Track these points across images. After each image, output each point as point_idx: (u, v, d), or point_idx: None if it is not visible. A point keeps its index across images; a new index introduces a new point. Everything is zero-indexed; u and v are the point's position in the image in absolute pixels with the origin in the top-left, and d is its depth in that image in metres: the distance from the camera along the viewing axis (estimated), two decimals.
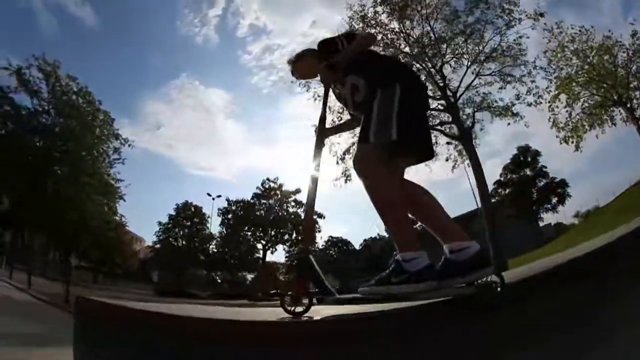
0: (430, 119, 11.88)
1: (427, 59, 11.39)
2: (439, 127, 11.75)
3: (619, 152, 48.22)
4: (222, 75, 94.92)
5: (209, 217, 39.20)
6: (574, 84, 12.47)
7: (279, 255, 47.30)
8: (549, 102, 12.20)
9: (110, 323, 1.61)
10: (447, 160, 12.92)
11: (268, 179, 39.47)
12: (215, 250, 39.31)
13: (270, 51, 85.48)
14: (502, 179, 30.37)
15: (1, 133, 22.12)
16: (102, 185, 24.70)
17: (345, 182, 12.47)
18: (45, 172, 23.40)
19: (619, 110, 13.37)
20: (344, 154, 12.12)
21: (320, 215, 36.94)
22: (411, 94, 1.70)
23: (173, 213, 38.86)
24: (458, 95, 11.22)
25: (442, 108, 11.64)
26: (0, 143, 21.03)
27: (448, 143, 12.60)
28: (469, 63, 11.07)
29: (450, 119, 11.32)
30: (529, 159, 28.15)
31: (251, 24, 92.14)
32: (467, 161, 12.37)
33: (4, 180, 22.39)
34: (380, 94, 1.67)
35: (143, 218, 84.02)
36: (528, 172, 28.79)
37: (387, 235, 44.47)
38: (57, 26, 57.34)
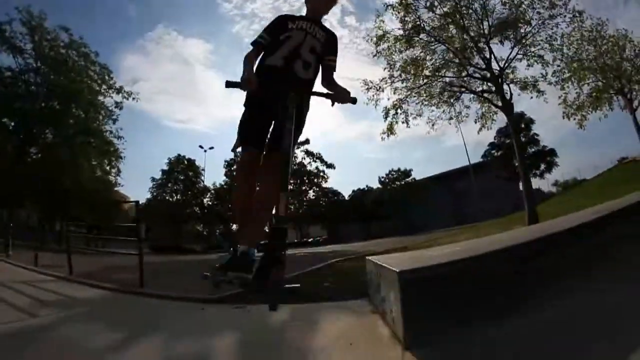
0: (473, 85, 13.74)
1: (481, 31, 12.72)
2: (485, 96, 13.37)
3: (603, 131, 51.89)
4: (201, 25, 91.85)
5: (202, 169, 39.96)
6: (583, 68, 14.20)
7: None
8: (563, 81, 13.83)
9: (431, 284, 2.14)
10: (475, 122, 14.66)
11: None
12: (210, 203, 40.95)
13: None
14: (495, 141, 33.32)
15: None
16: (104, 144, 24.33)
17: (388, 136, 14.06)
18: (33, 139, 22.91)
19: (618, 97, 15.61)
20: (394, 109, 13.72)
21: (331, 165, 38.55)
22: None
23: (166, 168, 39.70)
24: (503, 68, 12.66)
25: (479, 77, 13.20)
26: None
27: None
28: (515, 42, 12.50)
29: (494, 89, 12.91)
30: (523, 125, 30.64)
31: None
32: (488, 123, 14.47)
33: None
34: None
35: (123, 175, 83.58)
36: (521, 137, 31.62)
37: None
38: None
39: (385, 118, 13.86)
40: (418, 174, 47.29)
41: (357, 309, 3.29)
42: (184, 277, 6.67)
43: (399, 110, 13.66)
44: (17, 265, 9.10)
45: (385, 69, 13.63)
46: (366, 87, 13.89)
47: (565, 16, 12.24)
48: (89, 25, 59.82)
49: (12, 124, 22.33)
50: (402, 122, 13.78)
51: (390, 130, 13.93)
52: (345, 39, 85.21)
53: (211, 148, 38.83)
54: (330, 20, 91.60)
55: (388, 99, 13.79)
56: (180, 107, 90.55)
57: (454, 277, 2.29)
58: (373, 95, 13.85)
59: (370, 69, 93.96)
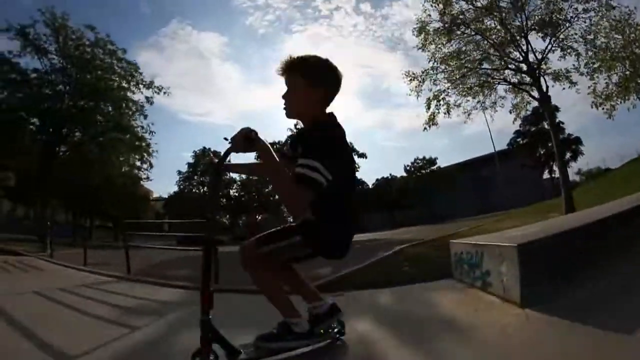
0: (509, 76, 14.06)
1: (520, 23, 13.03)
2: (522, 88, 13.76)
3: (628, 120, 51.30)
4: (216, 19, 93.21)
5: (229, 161, 40.98)
6: (613, 58, 14.24)
7: None
8: (593, 72, 13.94)
9: (540, 253, 2.77)
10: (510, 112, 15.18)
11: None
12: (236, 194, 42.53)
13: None
14: (521, 129, 33.64)
15: (12, 105, 21.31)
16: (135, 140, 24.83)
17: (430, 127, 14.61)
18: (63, 138, 23.56)
19: None
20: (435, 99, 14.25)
21: (362, 155, 39.44)
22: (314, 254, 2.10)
23: (192, 161, 41.65)
24: (540, 60, 12.99)
25: (514, 68, 13.59)
26: (6, 117, 20.47)
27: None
28: (551, 36, 12.81)
29: (527, 80, 13.39)
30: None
31: None
32: (522, 113, 15.29)
33: (10, 158, 22.93)
34: (297, 241, 1.98)
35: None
36: (546, 125, 31.86)
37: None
38: None
39: (428, 108, 14.39)
40: (438, 162, 47.62)
41: (451, 287, 3.72)
42: (237, 269, 5.60)
43: (441, 102, 14.20)
44: (65, 266, 8.78)
45: (429, 60, 14.19)
46: (409, 78, 14.47)
47: (598, 10, 12.59)
48: (101, 23, 60.98)
49: (41, 124, 22.96)
50: (444, 113, 14.31)
51: (431, 120, 14.46)
52: (361, 26, 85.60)
53: None
54: (344, 7, 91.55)
55: (430, 90, 14.34)
56: (198, 101, 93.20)
57: (555, 247, 2.93)
58: (415, 87, 14.42)
59: (386, 56, 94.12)
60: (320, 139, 1.83)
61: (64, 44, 22.69)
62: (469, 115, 14.69)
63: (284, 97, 1.98)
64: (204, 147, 41.51)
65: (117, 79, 24.35)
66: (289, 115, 2.03)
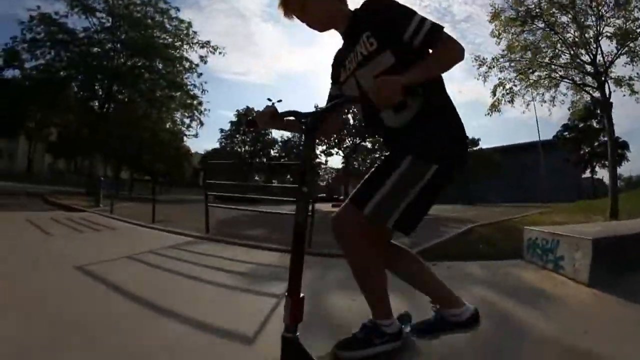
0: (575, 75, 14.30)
1: (595, 25, 13.23)
2: (587, 90, 14.13)
3: None
4: None
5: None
6: None
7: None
8: None
9: (608, 247, 3.63)
10: (568, 109, 16.01)
11: None
12: (277, 155, 43.97)
13: None
14: (569, 123, 33.68)
15: (61, 64, 22.37)
16: (187, 97, 25.56)
17: (492, 113, 15.35)
18: (112, 95, 24.44)
19: None
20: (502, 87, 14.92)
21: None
22: (441, 180, 1.56)
23: (234, 119, 43.33)
24: (609, 64, 13.25)
25: (578, 69, 13.96)
26: (55, 77, 21.69)
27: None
28: (621, 40, 12.92)
29: (588, 81, 13.84)
30: (598, 111, 30.77)
31: None
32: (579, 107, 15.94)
33: (57, 115, 24.31)
34: (411, 163, 1.51)
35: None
36: (595, 123, 32.05)
37: None
38: None
39: (493, 95, 15.06)
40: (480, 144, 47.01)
41: (524, 266, 4.51)
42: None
43: (506, 90, 14.89)
44: (133, 223, 8.57)
45: (503, 50, 14.73)
46: (478, 63, 15.06)
47: None
48: None
49: (89, 82, 23.77)
50: (508, 101, 15.01)
51: (495, 107, 15.18)
52: None
53: (279, 101, 37.33)
54: None
55: (497, 77, 14.98)
56: (238, 60, 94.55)
57: (614, 246, 3.80)
58: (484, 72, 15.03)
59: None
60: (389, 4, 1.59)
61: (113, 2, 23.30)
62: (527, 105, 15.38)
63: (302, 20, 1.71)
64: (247, 107, 42.34)
65: (168, 38, 24.94)
66: (321, 28, 1.72)
